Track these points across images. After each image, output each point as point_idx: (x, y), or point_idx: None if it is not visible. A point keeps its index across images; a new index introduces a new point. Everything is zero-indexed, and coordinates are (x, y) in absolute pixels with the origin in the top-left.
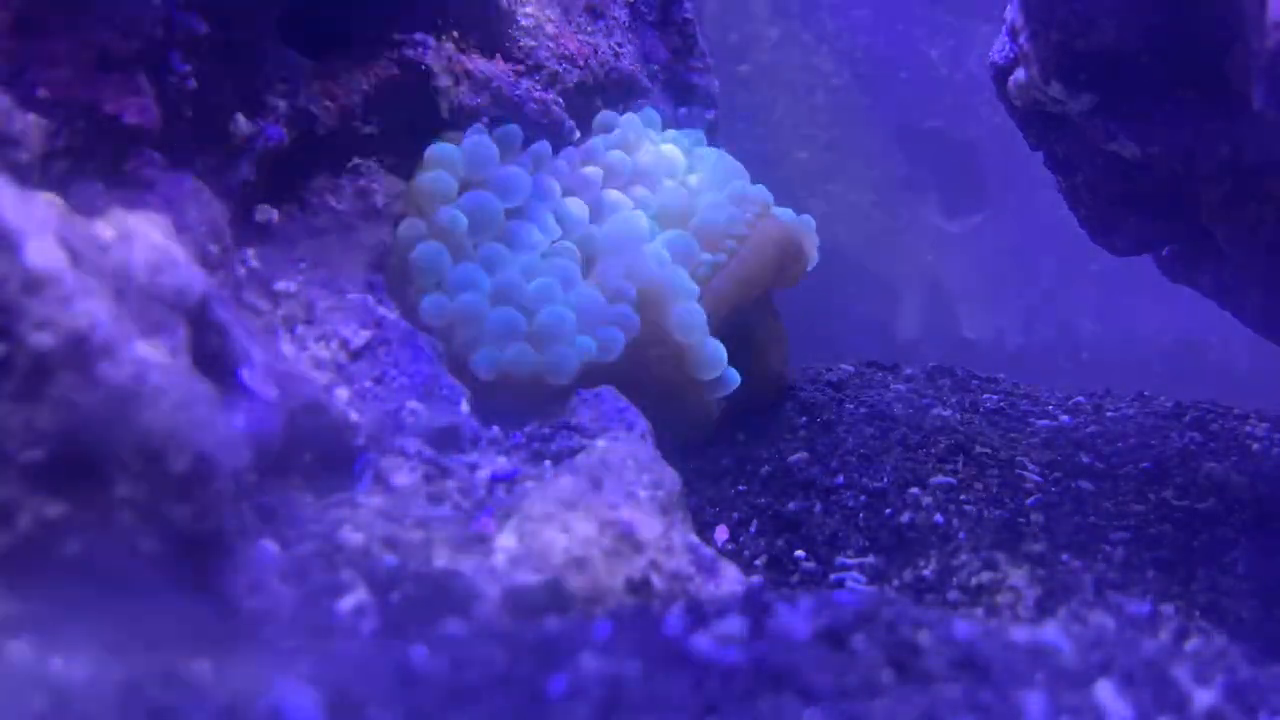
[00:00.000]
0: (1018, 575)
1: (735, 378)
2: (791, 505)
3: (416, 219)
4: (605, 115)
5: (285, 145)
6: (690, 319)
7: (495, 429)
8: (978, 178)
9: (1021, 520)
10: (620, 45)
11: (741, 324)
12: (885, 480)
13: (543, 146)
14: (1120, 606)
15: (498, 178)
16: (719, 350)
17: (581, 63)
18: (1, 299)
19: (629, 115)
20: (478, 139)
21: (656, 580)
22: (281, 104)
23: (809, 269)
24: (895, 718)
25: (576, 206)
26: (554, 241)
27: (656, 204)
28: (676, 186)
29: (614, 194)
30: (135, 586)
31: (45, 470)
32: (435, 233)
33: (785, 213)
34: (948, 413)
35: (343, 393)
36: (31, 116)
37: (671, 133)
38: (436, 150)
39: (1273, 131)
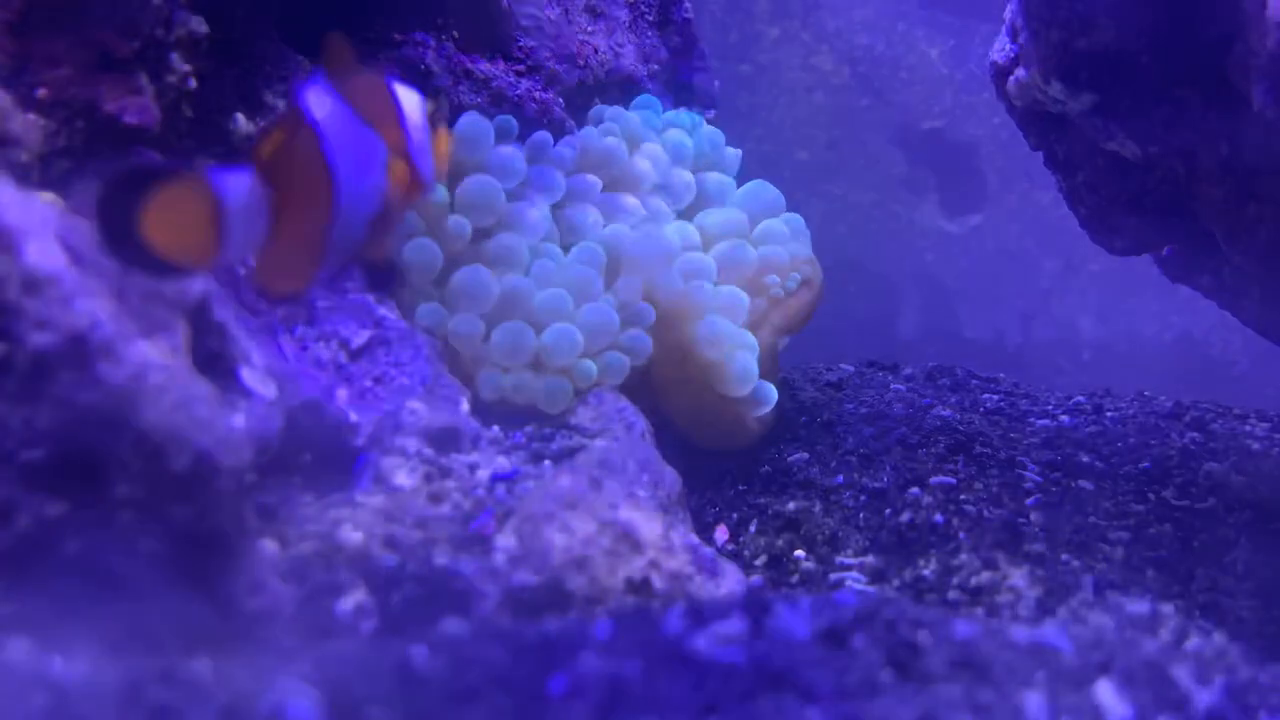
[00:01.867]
0: (1018, 575)
1: (772, 393)
2: (791, 505)
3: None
4: (598, 109)
5: None
6: (715, 333)
7: (495, 429)
8: (978, 178)
9: (1021, 520)
10: (620, 45)
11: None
12: (885, 480)
13: (542, 136)
14: (1120, 606)
15: (493, 158)
16: (749, 364)
17: (581, 63)
18: (1, 299)
19: (616, 109)
20: (471, 118)
21: (656, 580)
22: (281, 104)
23: None
24: (895, 717)
25: (592, 214)
26: (579, 243)
27: (716, 220)
28: (732, 211)
29: (655, 202)
30: (135, 586)
31: (45, 470)
32: (427, 222)
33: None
34: (947, 413)
35: (343, 393)
36: (31, 116)
37: (672, 113)
38: None
39: (1273, 132)
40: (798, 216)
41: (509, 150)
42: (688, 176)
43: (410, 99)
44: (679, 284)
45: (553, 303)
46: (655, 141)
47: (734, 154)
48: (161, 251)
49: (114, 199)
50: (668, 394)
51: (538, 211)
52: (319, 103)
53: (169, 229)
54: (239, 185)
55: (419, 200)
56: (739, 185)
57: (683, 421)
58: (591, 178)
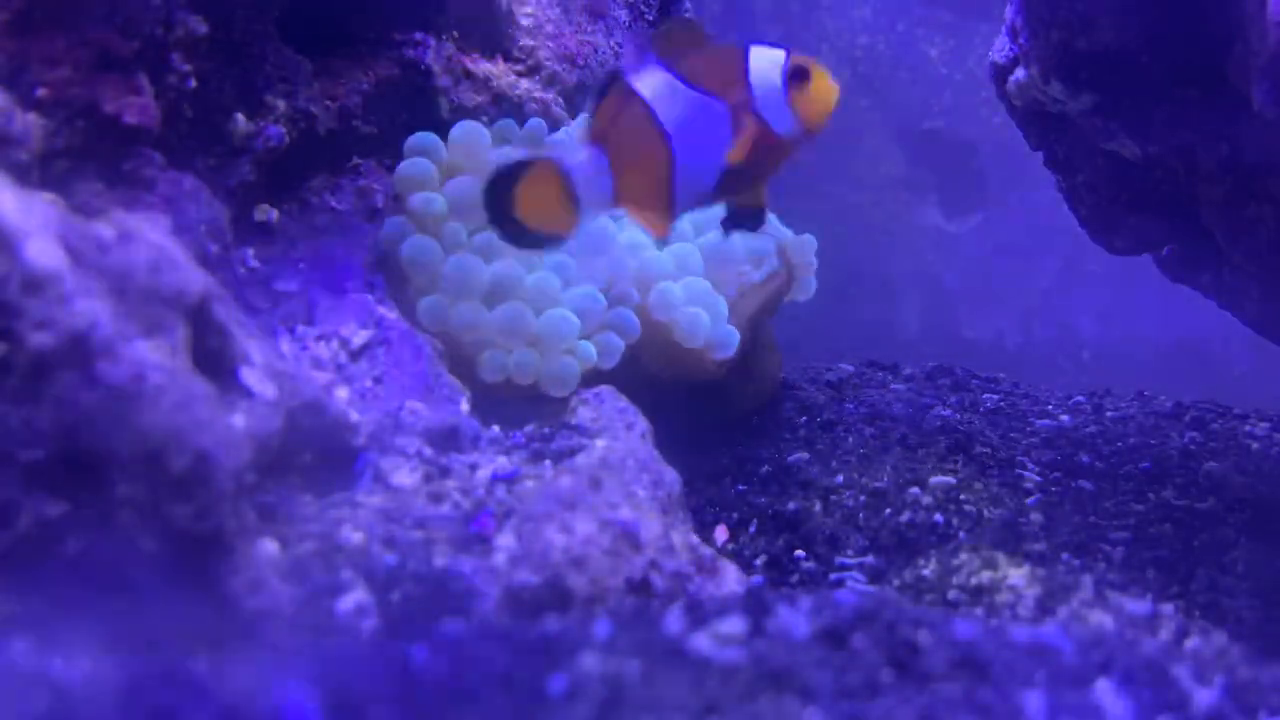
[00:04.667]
0: (1018, 575)
1: (733, 336)
2: (791, 505)
3: (400, 217)
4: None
5: (285, 145)
6: (664, 298)
7: (495, 428)
8: (978, 178)
9: (1021, 520)
10: (620, 45)
11: (754, 335)
12: (885, 480)
13: (537, 124)
14: (1120, 606)
15: (490, 163)
16: (697, 318)
17: (581, 62)
18: (1, 299)
19: None
20: (465, 125)
21: (656, 580)
22: (281, 104)
23: (808, 295)
24: (895, 717)
25: None
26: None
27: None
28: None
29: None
30: (135, 586)
31: (45, 470)
32: (415, 222)
33: (785, 232)
34: (947, 412)
35: (343, 392)
36: (31, 116)
37: None
38: (416, 138)
39: (1273, 131)
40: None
41: (505, 150)
42: None
43: (763, 59)
44: (632, 262)
45: (542, 284)
46: None
47: None
48: (535, 228)
49: (492, 193)
50: (640, 354)
51: None
52: (646, 77)
53: (537, 209)
54: (581, 161)
55: (792, 150)
56: None
57: (656, 393)
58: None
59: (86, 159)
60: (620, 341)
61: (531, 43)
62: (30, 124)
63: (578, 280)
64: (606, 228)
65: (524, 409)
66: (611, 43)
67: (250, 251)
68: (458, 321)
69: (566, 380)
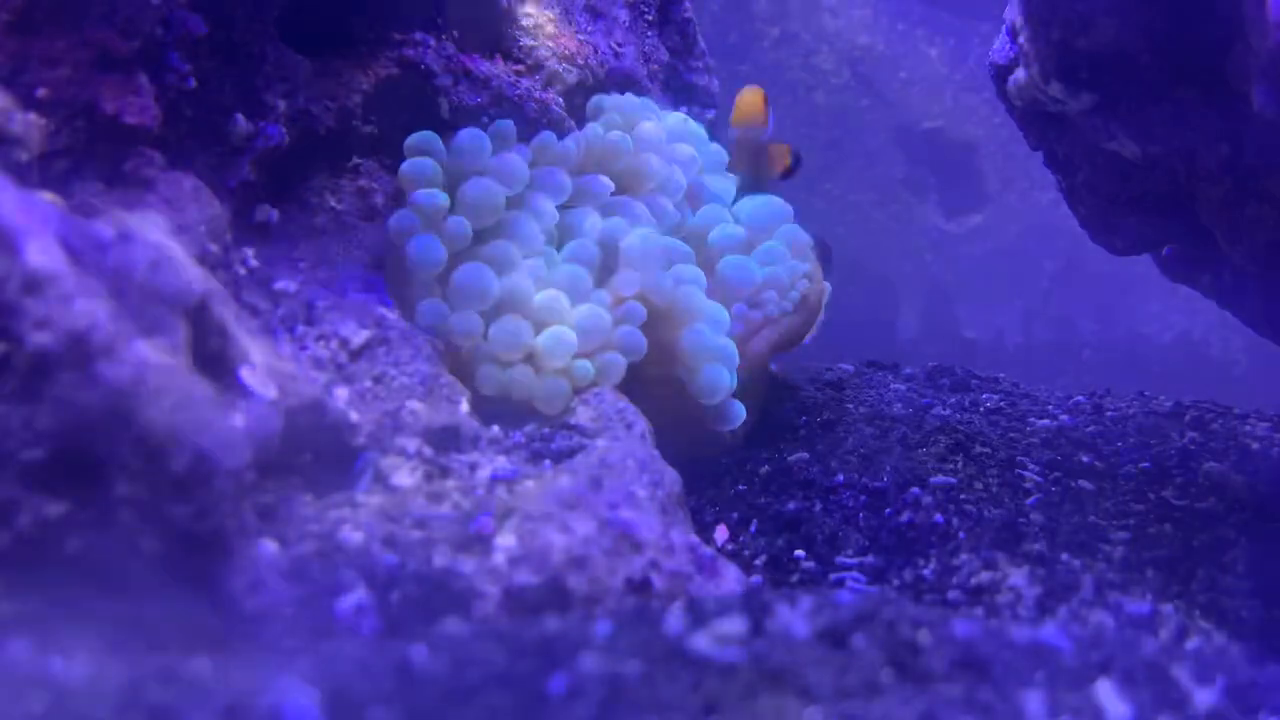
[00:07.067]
0: (1018, 575)
1: (740, 412)
2: (791, 505)
3: (407, 210)
4: (597, 99)
5: (285, 145)
6: (698, 342)
7: (495, 428)
8: (978, 178)
9: (1021, 520)
10: (620, 45)
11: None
12: (885, 480)
13: (547, 137)
14: (1120, 606)
15: (494, 166)
16: (720, 376)
17: (581, 62)
18: (1, 298)
19: (616, 98)
20: (469, 131)
21: (656, 580)
22: (281, 104)
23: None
24: (895, 717)
25: (591, 217)
26: (570, 241)
27: (717, 235)
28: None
29: (663, 201)
30: (135, 586)
31: (45, 469)
32: (422, 219)
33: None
34: (947, 412)
35: (342, 392)
36: (31, 116)
37: (673, 114)
38: (417, 137)
39: (1273, 131)
40: (797, 228)
41: (511, 157)
42: (688, 150)
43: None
44: (671, 285)
45: (550, 303)
46: (653, 120)
47: (716, 149)
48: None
49: None
50: (648, 390)
51: (536, 223)
52: None
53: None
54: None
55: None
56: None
57: (658, 419)
58: (604, 179)
59: (86, 159)
60: (623, 361)
61: (531, 43)
62: (30, 124)
63: (591, 289)
64: (658, 240)
65: (524, 409)
66: (611, 42)
67: (250, 251)
68: (457, 328)
69: (555, 400)
